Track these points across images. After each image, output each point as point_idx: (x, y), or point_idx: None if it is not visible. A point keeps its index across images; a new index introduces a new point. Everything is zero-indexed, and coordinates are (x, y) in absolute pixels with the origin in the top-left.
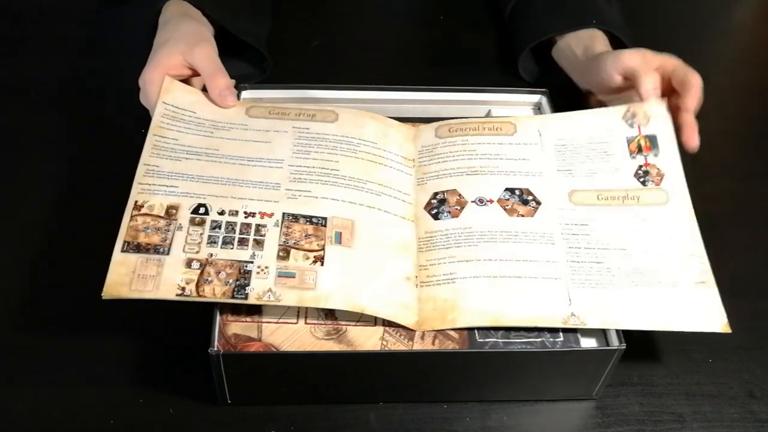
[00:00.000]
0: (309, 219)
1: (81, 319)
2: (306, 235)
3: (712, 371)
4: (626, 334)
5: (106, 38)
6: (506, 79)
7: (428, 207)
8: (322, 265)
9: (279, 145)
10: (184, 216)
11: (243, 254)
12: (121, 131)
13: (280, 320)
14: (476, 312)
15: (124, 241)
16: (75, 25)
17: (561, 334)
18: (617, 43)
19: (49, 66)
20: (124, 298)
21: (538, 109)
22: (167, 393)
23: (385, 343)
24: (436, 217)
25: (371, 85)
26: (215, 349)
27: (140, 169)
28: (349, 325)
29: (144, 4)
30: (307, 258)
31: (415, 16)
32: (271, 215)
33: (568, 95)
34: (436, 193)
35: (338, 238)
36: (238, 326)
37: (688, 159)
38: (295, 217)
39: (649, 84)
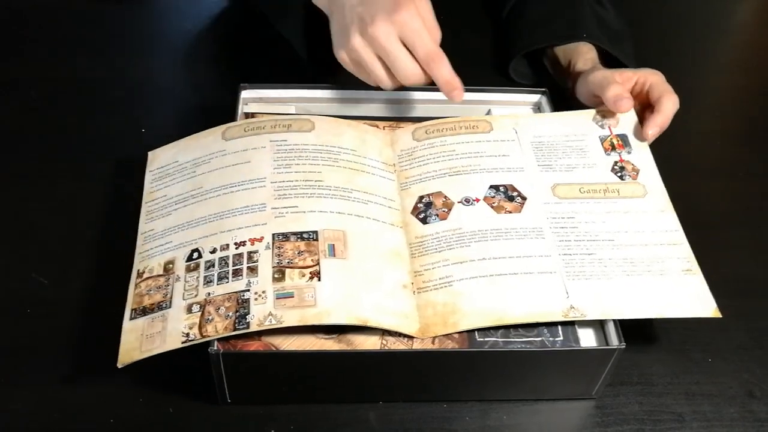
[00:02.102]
0: (299, 235)
1: (81, 318)
2: (299, 252)
3: (712, 371)
4: (626, 334)
5: (106, 38)
6: (506, 79)
7: (415, 211)
8: (319, 280)
9: (259, 163)
10: (180, 267)
11: (238, 285)
12: (121, 130)
13: None
14: (477, 313)
15: (132, 309)
16: (75, 25)
17: (561, 333)
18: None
19: (49, 66)
20: (137, 360)
21: (537, 108)
22: (167, 393)
23: (385, 342)
24: (424, 221)
25: (371, 85)
26: (215, 348)
27: (138, 239)
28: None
29: None
30: (303, 275)
31: None
32: (261, 239)
33: (567, 95)
34: (421, 197)
35: (332, 251)
36: None
37: (687, 159)
38: (286, 236)
39: (611, 93)
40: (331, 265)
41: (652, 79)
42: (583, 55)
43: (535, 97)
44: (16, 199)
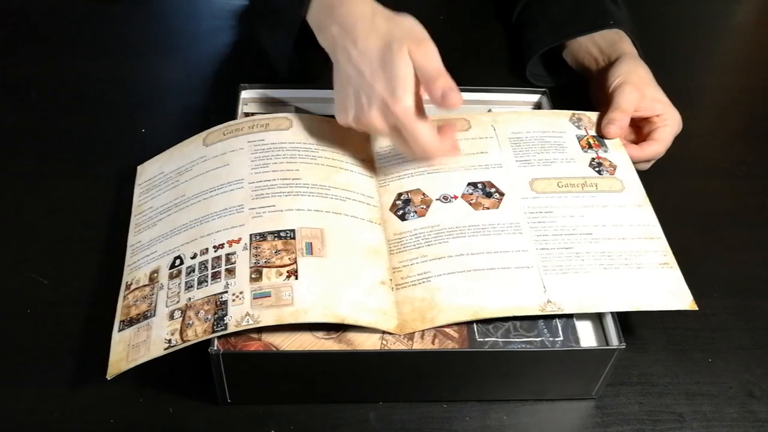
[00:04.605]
0: (277, 234)
1: (80, 318)
2: (276, 251)
3: (712, 371)
4: (626, 334)
5: (106, 38)
6: (506, 79)
7: (394, 208)
8: (296, 278)
9: (237, 165)
10: (164, 275)
11: (217, 287)
12: (121, 130)
13: None
14: (454, 308)
15: (120, 321)
16: (75, 25)
17: (561, 333)
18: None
19: (49, 66)
20: (125, 371)
21: (538, 108)
22: (167, 393)
23: (385, 342)
24: (402, 218)
25: None
26: (215, 348)
27: (127, 252)
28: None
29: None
30: (280, 274)
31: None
32: (238, 241)
33: (568, 95)
34: (399, 194)
35: (309, 249)
36: None
37: (687, 159)
38: (263, 236)
39: (610, 115)
40: (308, 263)
41: (669, 123)
42: (622, 40)
43: (535, 97)
44: (16, 199)
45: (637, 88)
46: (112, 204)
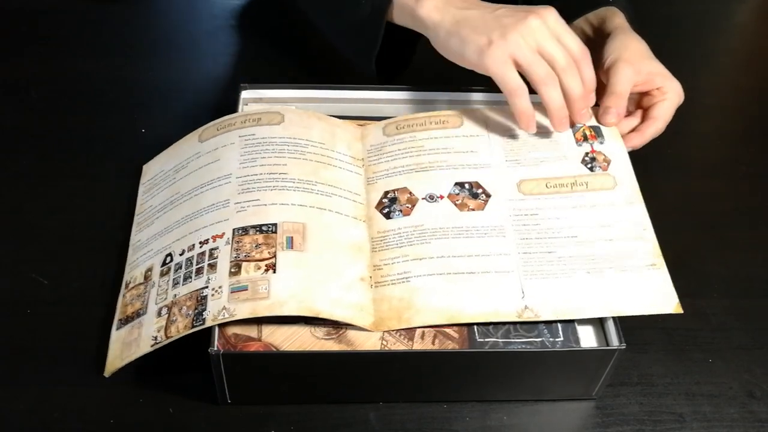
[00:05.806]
0: (258, 228)
1: (81, 318)
2: (256, 245)
3: (712, 371)
4: (626, 334)
5: (106, 38)
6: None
7: (380, 206)
8: (274, 272)
9: (226, 160)
10: (156, 273)
11: (199, 282)
12: (121, 130)
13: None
14: (431, 310)
15: (118, 320)
16: (75, 25)
17: (561, 333)
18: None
19: (49, 66)
20: (120, 368)
21: None
22: (167, 393)
23: (384, 342)
24: (388, 216)
25: (370, 85)
26: (215, 348)
27: (129, 250)
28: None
29: None
30: (259, 268)
31: None
32: (222, 235)
33: None
34: (386, 192)
35: (290, 243)
36: (237, 326)
37: (687, 159)
38: (245, 230)
39: (607, 102)
40: (287, 257)
41: (668, 96)
42: (615, 15)
43: (538, 98)
44: (16, 199)
45: (631, 64)
46: (111, 204)
